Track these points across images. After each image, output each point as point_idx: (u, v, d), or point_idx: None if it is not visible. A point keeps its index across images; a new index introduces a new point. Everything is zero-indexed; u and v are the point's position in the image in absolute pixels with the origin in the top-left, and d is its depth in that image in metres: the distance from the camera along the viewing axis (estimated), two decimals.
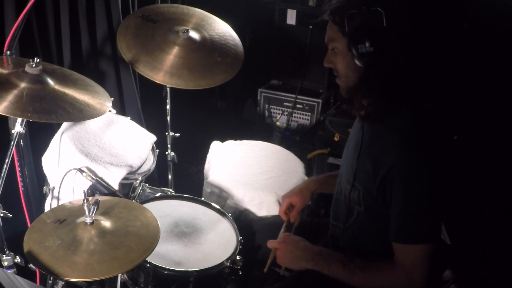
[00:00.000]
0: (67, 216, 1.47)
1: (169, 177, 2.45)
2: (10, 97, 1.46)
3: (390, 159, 1.38)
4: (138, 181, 1.93)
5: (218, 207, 1.91)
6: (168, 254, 1.66)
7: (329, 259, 1.49)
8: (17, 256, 1.66)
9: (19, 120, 1.55)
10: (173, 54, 2.04)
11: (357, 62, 1.36)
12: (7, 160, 1.54)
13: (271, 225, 1.97)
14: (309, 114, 3.13)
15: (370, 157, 1.45)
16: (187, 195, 1.97)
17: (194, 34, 2.11)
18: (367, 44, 1.32)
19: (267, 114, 3.27)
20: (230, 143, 2.51)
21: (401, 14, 1.37)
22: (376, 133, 1.48)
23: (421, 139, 1.39)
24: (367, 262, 1.46)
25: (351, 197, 1.54)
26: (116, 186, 1.76)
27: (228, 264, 1.63)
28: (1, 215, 1.58)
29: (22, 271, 1.67)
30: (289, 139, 3.20)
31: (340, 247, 1.62)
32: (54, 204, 1.77)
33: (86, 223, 1.41)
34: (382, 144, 1.43)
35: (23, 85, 1.52)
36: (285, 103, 3.19)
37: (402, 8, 1.38)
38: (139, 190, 1.99)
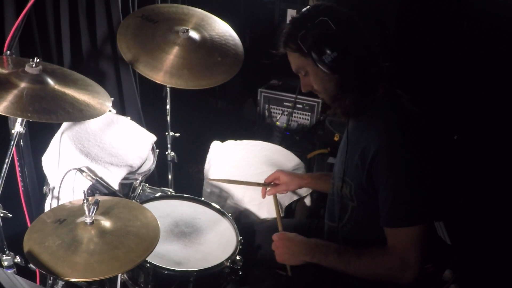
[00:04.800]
0: (67, 216, 1.47)
1: (169, 177, 2.45)
2: (10, 97, 1.45)
3: (373, 147, 1.41)
4: (138, 181, 1.93)
5: (218, 207, 1.91)
6: (168, 254, 1.66)
7: (326, 250, 1.51)
8: (17, 256, 1.66)
9: (19, 120, 1.55)
10: (173, 54, 2.04)
11: (327, 71, 1.42)
12: (7, 160, 1.54)
13: (271, 227, 1.97)
14: (309, 114, 3.13)
15: (357, 150, 1.48)
16: (187, 195, 1.97)
17: (194, 34, 2.11)
18: (329, 52, 1.38)
19: (267, 114, 3.27)
20: (230, 143, 2.51)
21: (343, 13, 1.44)
22: (360, 127, 1.53)
23: (401, 123, 1.43)
24: (362, 250, 1.48)
25: (343, 193, 1.57)
26: (116, 186, 1.76)
27: (228, 264, 1.63)
28: (1, 215, 1.58)
29: (22, 271, 1.67)
30: (289, 139, 3.20)
31: None
32: (54, 204, 1.77)
33: (86, 223, 1.41)
34: (366, 135, 1.47)
35: (23, 85, 1.51)
36: (285, 103, 3.19)
37: (341, 8, 1.45)
38: (139, 190, 1.99)
